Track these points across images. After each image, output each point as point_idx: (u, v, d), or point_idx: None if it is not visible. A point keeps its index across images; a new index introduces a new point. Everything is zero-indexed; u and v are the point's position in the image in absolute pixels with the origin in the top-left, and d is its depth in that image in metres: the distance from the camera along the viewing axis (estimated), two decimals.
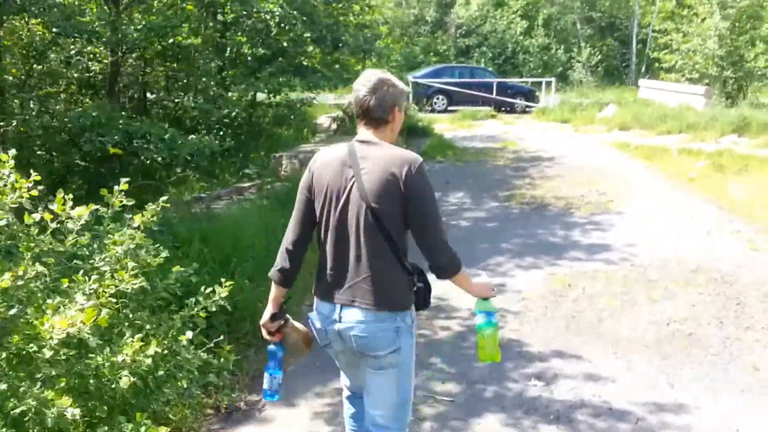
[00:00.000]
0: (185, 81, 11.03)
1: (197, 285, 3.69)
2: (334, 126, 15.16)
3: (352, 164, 2.51)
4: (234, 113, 12.61)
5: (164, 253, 3.37)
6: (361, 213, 2.48)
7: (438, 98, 21.37)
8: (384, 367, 2.63)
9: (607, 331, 5.09)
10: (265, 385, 2.81)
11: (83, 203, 7.75)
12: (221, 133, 12.69)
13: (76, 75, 11.32)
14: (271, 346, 2.80)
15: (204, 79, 11.73)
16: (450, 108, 21.03)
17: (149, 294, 3.34)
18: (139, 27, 8.14)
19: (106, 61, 9.91)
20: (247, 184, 10.14)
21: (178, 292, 3.55)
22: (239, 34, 12.19)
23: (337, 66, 13.98)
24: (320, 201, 2.57)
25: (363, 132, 2.59)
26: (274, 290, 2.75)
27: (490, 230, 8.09)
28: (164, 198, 3.43)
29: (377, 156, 2.51)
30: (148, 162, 8.63)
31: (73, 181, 8.29)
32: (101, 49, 9.75)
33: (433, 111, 20.61)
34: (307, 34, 11.73)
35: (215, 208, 8.44)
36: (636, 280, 6.18)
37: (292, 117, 13.61)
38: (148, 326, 3.36)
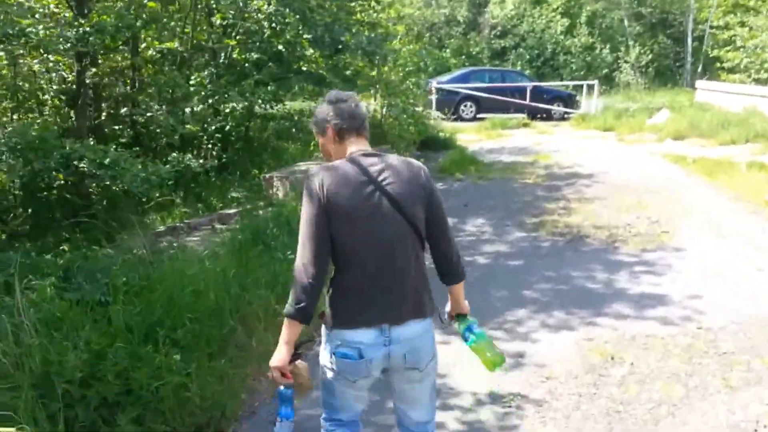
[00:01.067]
0: (169, 92, 9.87)
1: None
2: None
3: (369, 179, 2.52)
4: (227, 127, 11.46)
5: None
6: (398, 225, 2.53)
7: (465, 105, 20.11)
8: (426, 376, 2.73)
9: None
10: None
11: (28, 239, 6.66)
12: (215, 149, 11.66)
13: (55, 87, 10.42)
14: (283, 389, 2.68)
15: (192, 89, 10.60)
16: (479, 116, 19.77)
17: None
18: (87, 28, 7.02)
19: (67, 71, 8.89)
20: (233, 210, 8.97)
21: None
22: (231, 37, 11.04)
23: (348, 72, 12.77)
24: (344, 225, 2.49)
25: (358, 145, 2.64)
26: (290, 330, 2.55)
27: (512, 271, 6.79)
28: None
29: (392, 165, 2.59)
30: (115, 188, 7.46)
31: (17, 214, 7.22)
32: (64, 58, 8.71)
33: (459, 119, 19.35)
34: (306, 36, 10.50)
35: (189, 241, 7.31)
36: (704, 352, 4.80)
37: (294, 129, 12.43)
38: None
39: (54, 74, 9.83)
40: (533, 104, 19.91)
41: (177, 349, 4.33)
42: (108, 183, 6.37)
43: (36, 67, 9.65)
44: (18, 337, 3.82)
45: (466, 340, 2.90)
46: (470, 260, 7.17)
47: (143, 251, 5.69)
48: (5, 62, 9.05)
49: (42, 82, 10.04)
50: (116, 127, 11.06)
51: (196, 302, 4.86)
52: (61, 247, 6.34)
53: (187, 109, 10.25)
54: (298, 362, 2.68)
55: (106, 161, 6.17)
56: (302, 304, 2.49)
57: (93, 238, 6.72)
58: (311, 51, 11.16)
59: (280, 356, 2.55)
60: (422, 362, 2.67)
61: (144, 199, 8.91)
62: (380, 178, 2.53)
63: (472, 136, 16.50)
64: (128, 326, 4.38)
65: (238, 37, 11.13)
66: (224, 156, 11.46)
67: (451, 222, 8.64)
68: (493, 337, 5.15)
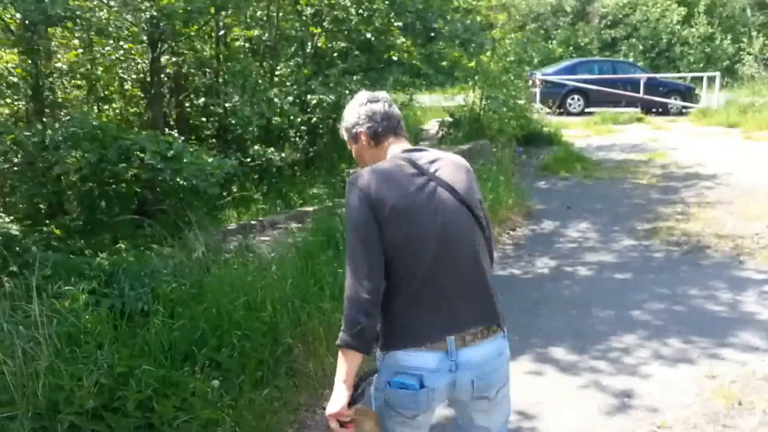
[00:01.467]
0: (246, 82, 9.51)
1: None
2: (440, 133, 13.29)
3: (421, 171, 2.21)
4: (314, 119, 11.01)
5: None
6: (460, 215, 2.20)
7: (573, 98, 18.91)
8: (495, 406, 2.28)
9: None
10: None
11: (81, 236, 6.32)
12: (302, 142, 11.28)
13: (133, 76, 10.28)
14: None
15: (276, 80, 10.23)
16: (587, 110, 18.59)
17: None
18: (154, 12, 6.66)
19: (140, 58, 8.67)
20: (311, 208, 8.46)
21: None
22: (319, 25, 10.61)
23: (444, 63, 12.11)
24: (397, 224, 2.12)
25: (399, 145, 2.35)
26: (348, 364, 2.11)
27: (619, 286, 5.96)
28: None
29: (440, 157, 2.30)
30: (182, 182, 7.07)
31: (70, 209, 6.97)
32: (135, 45, 8.49)
33: (565, 113, 18.20)
34: (398, 24, 9.93)
35: (259, 241, 6.84)
36: None
37: None
38: None
39: (130, 63, 9.64)
40: (647, 97, 18.55)
41: (219, 373, 3.80)
42: (169, 177, 5.95)
43: (116, 55, 9.49)
44: (29, 354, 3.36)
45: None
46: (570, 271, 6.41)
47: (199, 253, 5.19)
48: (80, 50, 8.90)
49: (120, 70, 9.87)
50: (203, 119, 10.86)
51: (248, 316, 4.31)
52: (117, 245, 5.98)
53: (280, 100, 9.88)
54: (362, 406, 2.20)
55: (169, 154, 5.75)
56: (360, 327, 2.07)
57: (155, 236, 6.33)
58: (402, 39, 10.54)
59: (337, 400, 2.09)
60: (492, 389, 2.25)
61: (224, 194, 8.58)
62: (432, 169, 2.24)
63: (580, 132, 15.46)
64: (166, 343, 3.87)
65: (325, 25, 10.67)
66: (311, 150, 11.04)
67: (551, 225, 7.85)
68: (595, 369, 4.40)
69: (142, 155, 5.98)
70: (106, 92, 9.75)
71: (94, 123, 6.06)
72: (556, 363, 4.50)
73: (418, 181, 2.19)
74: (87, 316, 3.90)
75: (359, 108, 2.38)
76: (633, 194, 9.37)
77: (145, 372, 3.47)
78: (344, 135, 2.44)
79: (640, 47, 29.70)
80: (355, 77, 9.62)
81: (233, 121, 9.23)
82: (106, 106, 9.42)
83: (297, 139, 11.36)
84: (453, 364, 2.14)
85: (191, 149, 6.19)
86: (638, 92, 18.57)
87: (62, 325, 3.71)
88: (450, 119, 13.20)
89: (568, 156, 12.04)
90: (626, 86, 18.77)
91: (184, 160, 5.79)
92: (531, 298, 5.69)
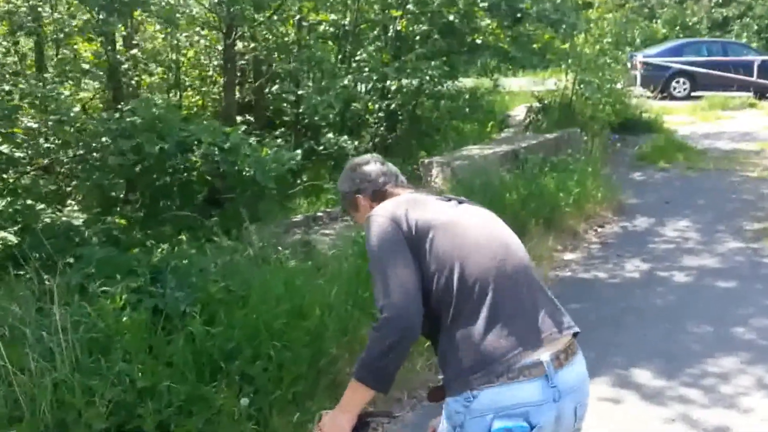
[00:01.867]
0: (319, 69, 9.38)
1: None
2: (528, 120, 12.69)
3: (444, 196, 2.24)
4: (393, 105, 10.70)
5: None
6: (499, 222, 2.14)
7: (677, 82, 17.82)
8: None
9: None
10: None
11: (141, 228, 6.19)
12: (380, 130, 10.98)
13: (214, 63, 10.31)
14: None
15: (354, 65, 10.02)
16: (694, 94, 17.51)
17: None
18: None
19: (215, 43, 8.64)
20: None
21: None
22: (402, 8, 10.27)
23: (534, 45, 11.59)
24: (444, 240, 1.97)
25: (405, 192, 2.27)
26: (356, 397, 1.90)
27: (721, 296, 5.39)
28: None
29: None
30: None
31: (133, 199, 6.91)
32: (211, 32, 8.48)
33: (669, 98, 17.15)
34: (482, 4, 9.49)
35: (323, 235, 6.56)
36: None
37: (467, 109, 11.41)
38: None
39: (213, 50, 9.66)
40: (762, 81, 17.30)
41: (252, 388, 3.48)
42: (227, 168, 5.75)
43: (195, 42, 9.55)
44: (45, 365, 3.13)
45: None
46: (664, 276, 5.83)
47: (250, 251, 4.92)
48: (161, 36, 8.97)
49: (202, 57, 9.92)
50: (285, 105, 10.80)
51: (291, 324, 3.96)
52: (179, 236, 5.80)
53: (358, 85, 9.67)
54: None
55: (226, 145, 5.56)
56: (382, 363, 1.87)
57: (218, 227, 6.13)
58: (487, 21, 10.08)
59: (334, 428, 1.92)
60: (585, 417, 2.00)
61: (297, 182, 8.46)
62: (451, 194, 2.30)
63: (684, 118, 14.50)
64: (198, 353, 3.57)
65: (408, 8, 10.33)
66: (389, 137, 10.73)
67: (646, 223, 7.24)
68: (686, 398, 3.84)
69: (211, 148, 5.81)
70: (186, 79, 9.80)
71: (156, 113, 5.89)
72: (639, 389, 3.98)
73: (446, 202, 2.15)
74: (124, 318, 3.64)
75: (351, 174, 2.34)
76: (742, 189, 8.63)
77: (170, 389, 3.19)
78: (346, 206, 2.40)
79: (755, 27, 27.95)
80: (433, 62, 9.23)
81: (301, 110, 9.07)
82: (188, 93, 9.45)
83: (375, 126, 11.10)
84: (555, 391, 1.86)
85: (250, 141, 5.99)
86: (751, 75, 17.36)
87: (90, 330, 3.45)
88: (539, 105, 12.60)
89: (669, 144, 11.22)
90: (738, 69, 17.52)
91: (243, 152, 5.56)
92: (616, 307, 5.17)
